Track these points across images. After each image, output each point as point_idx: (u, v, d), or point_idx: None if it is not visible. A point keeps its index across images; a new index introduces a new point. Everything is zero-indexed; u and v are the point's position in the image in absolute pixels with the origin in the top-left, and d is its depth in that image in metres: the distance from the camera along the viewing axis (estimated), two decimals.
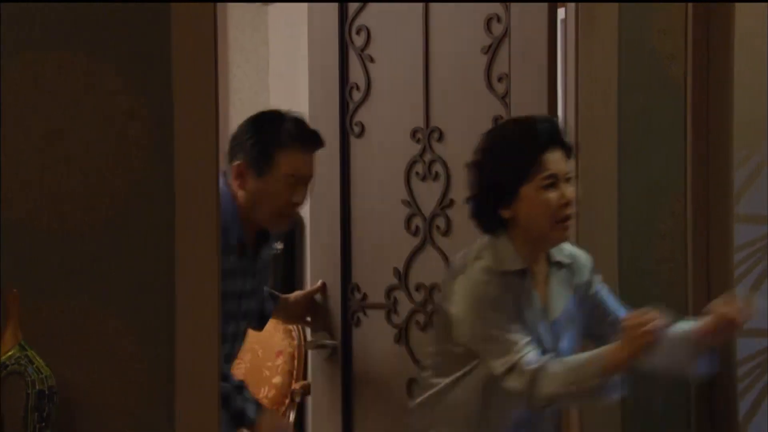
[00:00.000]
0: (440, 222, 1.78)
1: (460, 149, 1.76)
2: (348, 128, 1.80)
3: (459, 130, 1.81)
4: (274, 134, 1.50)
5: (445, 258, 1.76)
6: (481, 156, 1.34)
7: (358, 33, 1.78)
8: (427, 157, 1.74)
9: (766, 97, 1.87)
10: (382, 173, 1.79)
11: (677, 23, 1.99)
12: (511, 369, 1.21)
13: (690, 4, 1.91)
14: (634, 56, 1.93)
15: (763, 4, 1.88)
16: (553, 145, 1.33)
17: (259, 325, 1.73)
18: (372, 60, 1.78)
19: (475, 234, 1.39)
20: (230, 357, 1.56)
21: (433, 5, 1.74)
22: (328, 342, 1.84)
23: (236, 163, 1.51)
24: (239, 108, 3.24)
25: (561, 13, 1.95)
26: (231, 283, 1.41)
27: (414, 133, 1.77)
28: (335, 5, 1.76)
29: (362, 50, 1.78)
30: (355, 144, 1.80)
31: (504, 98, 1.76)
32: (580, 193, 1.86)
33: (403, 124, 1.78)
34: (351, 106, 1.79)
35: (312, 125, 1.60)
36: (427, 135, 1.76)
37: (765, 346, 1.76)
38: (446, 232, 1.77)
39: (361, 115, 1.80)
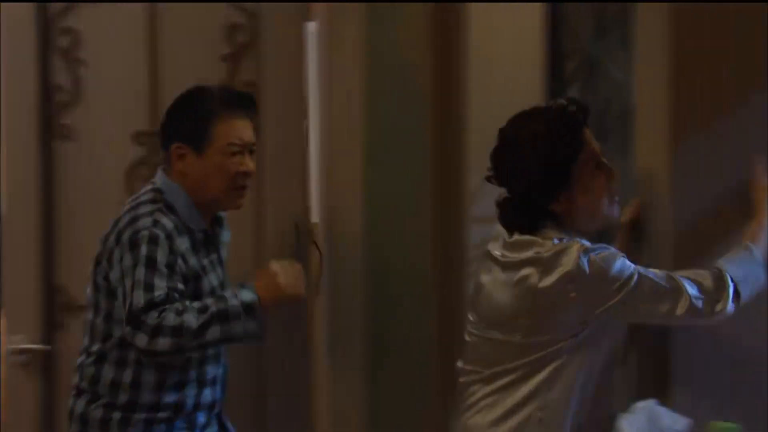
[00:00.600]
0: None
1: None
2: (53, 130, 1.79)
3: None
4: (205, 105, 1.40)
5: None
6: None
7: (64, 34, 1.77)
8: (154, 160, 1.73)
9: (499, 105, 2.06)
10: (97, 175, 1.80)
11: (421, 35, 2.14)
12: None
13: (429, 19, 2.07)
14: (381, 67, 2.04)
15: (497, 19, 2.08)
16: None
17: None
18: (83, 62, 1.79)
19: None
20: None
21: (163, 11, 1.75)
22: (27, 346, 1.75)
23: (174, 145, 1.39)
24: None
25: (311, 26, 2.01)
26: (207, 279, 1.36)
27: (138, 137, 1.79)
28: (31, 5, 1.73)
29: (69, 52, 1.78)
30: (65, 147, 1.79)
31: None
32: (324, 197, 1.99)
33: (124, 127, 1.79)
34: (55, 109, 1.78)
35: (7, 126, 1.56)
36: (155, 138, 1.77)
37: None
38: None
39: (70, 118, 1.80)
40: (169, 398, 1.34)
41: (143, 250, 1.26)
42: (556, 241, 1.16)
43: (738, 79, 1.25)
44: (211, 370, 1.38)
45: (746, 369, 1.26)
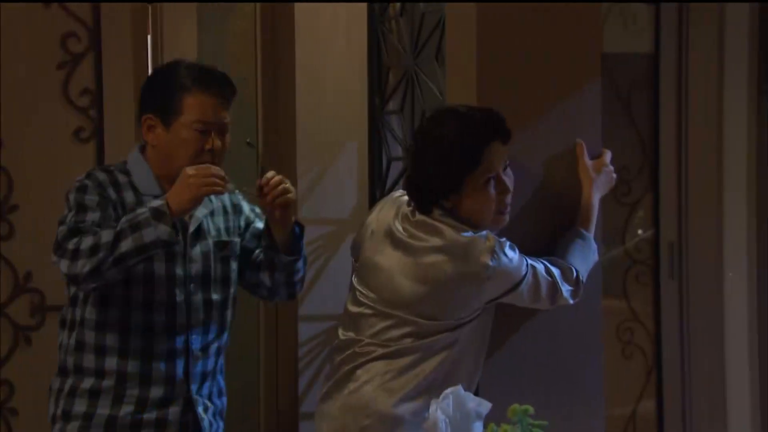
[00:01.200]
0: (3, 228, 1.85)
1: (31, 159, 1.85)
2: None
3: (31, 140, 1.87)
4: (178, 80, 1.35)
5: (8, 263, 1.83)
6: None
7: None
8: None
9: (327, 116, 2.23)
10: None
11: (248, 50, 2.25)
12: None
13: (258, 33, 2.20)
14: None
15: (325, 35, 2.25)
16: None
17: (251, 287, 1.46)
18: None
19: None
20: (182, 326, 1.33)
21: None
22: None
23: (145, 116, 1.36)
24: None
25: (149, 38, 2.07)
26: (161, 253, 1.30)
27: None
28: None
29: None
30: None
31: (87, 111, 1.90)
32: None
33: None
34: None
35: None
36: None
37: (321, 330, 2.10)
38: (9, 237, 1.84)
39: None
40: (111, 364, 1.31)
41: (71, 197, 1.31)
42: (468, 233, 1.24)
43: (540, 88, 1.44)
44: (164, 343, 1.33)
45: (548, 356, 1.42)
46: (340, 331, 1.33)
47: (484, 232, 1.24)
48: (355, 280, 1.35)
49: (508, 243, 1.26)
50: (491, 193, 1.26)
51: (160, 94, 1.37)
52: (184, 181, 1.26)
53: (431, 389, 1.21)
